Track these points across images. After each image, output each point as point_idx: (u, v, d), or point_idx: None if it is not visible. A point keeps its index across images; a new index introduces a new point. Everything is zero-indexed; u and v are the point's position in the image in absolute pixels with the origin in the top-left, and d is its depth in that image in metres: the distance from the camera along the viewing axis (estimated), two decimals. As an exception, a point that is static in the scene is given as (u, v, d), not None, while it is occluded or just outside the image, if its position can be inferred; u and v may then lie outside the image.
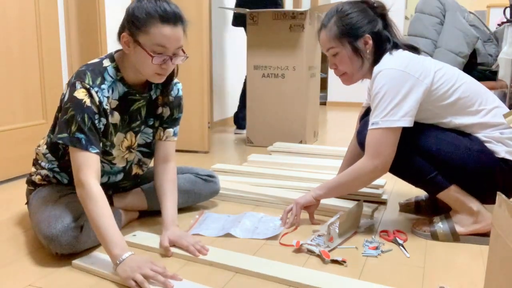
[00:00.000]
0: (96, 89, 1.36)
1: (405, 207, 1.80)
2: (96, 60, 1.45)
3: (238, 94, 4.47)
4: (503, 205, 0.82)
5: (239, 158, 2.77)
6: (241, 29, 3.58)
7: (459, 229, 1.51)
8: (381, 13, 1.58)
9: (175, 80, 1.59)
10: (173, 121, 1.62)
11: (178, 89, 1.62)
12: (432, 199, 1.76)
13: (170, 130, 1.61)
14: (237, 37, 4.26)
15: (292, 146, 2.86)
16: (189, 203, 1.77)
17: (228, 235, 1.55)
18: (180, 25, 1.36)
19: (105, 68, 1.42)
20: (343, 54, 1.56)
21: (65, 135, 1.33)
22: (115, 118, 1.45)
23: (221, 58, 4.10)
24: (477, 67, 3.78)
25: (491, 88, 3.85)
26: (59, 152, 1.50)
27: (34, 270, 1.31)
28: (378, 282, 1.24)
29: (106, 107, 1.39)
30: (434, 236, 1.54)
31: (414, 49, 1.57)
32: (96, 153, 1.35)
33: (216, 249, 1.41)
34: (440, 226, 1.53)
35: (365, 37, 1.54)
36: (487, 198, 1.50)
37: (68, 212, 1.36)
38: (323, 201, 1.78)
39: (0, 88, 2.16)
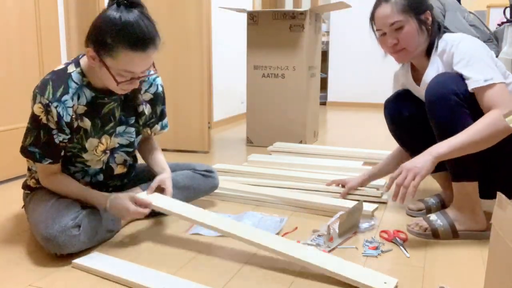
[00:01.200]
0: (55, 104, 1.33)
1: (417, 212, 1.76)
2: (62, 66, 1.42)
3: (238, 94, 4.47)
4: (503, 205, 0.82)
5: (239, 158, 2.77)
6: (241, 29, 3.58)
7: (458, 226, 1.52)
8: None
9: (154, 75, 1.55)
10: (158, 117, 1.63)
11: (157, 85, 1.60)
12: (442, 203, 1.76)
13: (157, 126, 1.65)
14: (237, 37, 4.26)
15: (292, 146, 2.86)
16: (188, 199, 1.76)
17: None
18: (151, 49, 1.31)
19: (69, 74, 1.39)
20: (409, 27, 1.53)
21: (22, 144, 1.41)
22: (85, 123, 1.43)
23: (221, 58, 4.10)
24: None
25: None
26: None
27: (34, 270, 1.31)
28: (378, 282, 1.24)
29: (68, 120, 1.37)
30: (435, 235, 1.53)
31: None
32: (50, 163, 1.41)
33: (214, 249, 1.41)
34: (440, 224, 1.53)
35: (427, 13, 1.56)
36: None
37: (65, 213, 1.36)
38: (323, 201, 1.78)
39: (0, 88, 2.16)
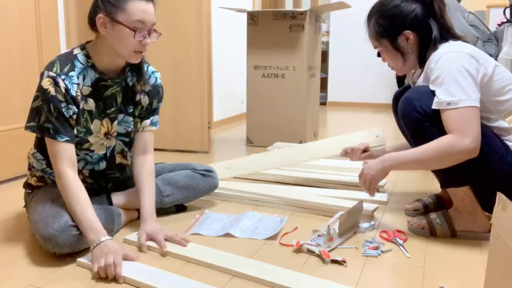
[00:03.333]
0: (63, 76, 1.38)
1: (413, 212, 1.76)
2: (68, 50, 1.48)
3: (238, 94, 4.47)
4: (503, 205, 0.82)
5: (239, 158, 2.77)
6: (241, 28, 3.58)
7: (457, 227, 1.52)
8: (427, 2, 1.54)
9: (153, 69, 1.61)
10: (151, 111, 1.62)
11: (156, 78, 1.62)
12: (439, 200, 1.76)
13: (147, 121, 1.62)
14: (237, 37, 4.26)
15: (292, 146, 2.85)
16: (188, 199, 1.77)
17: (228, 235, 1.55)
18: (151, 1, 1.44)
19: (75, 55, 1.44)
20: (386, 51, 1.59)
21: (33, 123, 1.40)
22: (90, 104, 1.47)
23: (221, 58, 4.10)
24: (507, 69, 3.78)
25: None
26: (45, 149, 1.48)
27: (34, 270, 1.31)
28: (378, 282, 1.24)
29: (74, 94, 1.40)
30: (433, 232, 1.54)
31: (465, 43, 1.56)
32: (65, 141, 1.38)
33: (214, 250, 1.41)
34: (438, 222, 1.54)
35: (405, 33, 1.53)
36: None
37: (65, 212, 1.36)
38: (323, 201, 1.78)
39: (0, 88, 2.16)
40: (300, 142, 3.09)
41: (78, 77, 1.42)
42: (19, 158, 2.26)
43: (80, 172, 1.53)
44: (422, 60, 1.55)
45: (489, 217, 1.48)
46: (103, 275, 1.24)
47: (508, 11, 3.75)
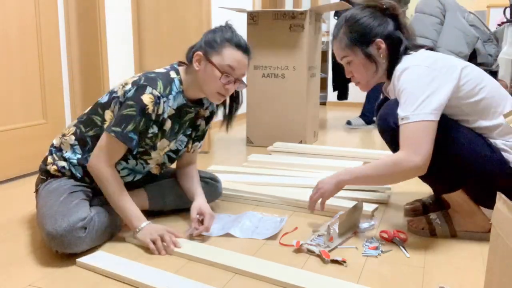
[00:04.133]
0: (164, 99, 1.48)
1: (412, 212, 1.76)
2: (162, 70, 1.55)
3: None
4: (503, 205, 0.82)
5: (239, 158, 2.77)
6: (241, 28, 3.58)
7: (457, 227, 1.52)
8: (393, 14, 1.54)
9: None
10: (203, 134, 1.74)
11: (214, 104, 1.70)
12: (438, 199, 1.76)
13: (198, 143, 1.74)
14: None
15: (292, 146, 2.85)
16: (190, 205, 1.77)
17: (228, 235, 1.55)
18: (248, 55, 1.53)
19: (173, 79, 1.53)
20: (356, 62, 1.55)
21: (118, 129, 1.42)
22: (167, 125, 1.55)
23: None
24: (477, 67, 3.78)
25: (491, 88, 3.85)
26: (87, 146, 1.54)
27: (34, 270, 1.31)
28: (378, 282, 1.24)
29: (166, 116, 1.51)
30: (432, 233, 1.54)
31: (430, 49, 1.54)
32: (132, 152, 1.50)
33: (217, 248, 1.41)
34: (438, 222, 1.54)
35: (377, 41, 1.51)
36: (492, 204, 1.49)
37: (75, 212, 1.36)
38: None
39: (0, 88, 2.16)
40: (300, 142, 3.09)
41: (172, 100, 1.51)
42: (19, 158, 2.26)
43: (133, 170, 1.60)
44: (390, 72, 1.52)
45: (489, 215, 1.48)
46: (160, 245, 1.40)
47: (508, 11, 3.76)
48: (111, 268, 1.27)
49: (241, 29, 3.60)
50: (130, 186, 1.65)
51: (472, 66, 1.49)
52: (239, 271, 1.28)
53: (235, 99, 1.65)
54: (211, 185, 1.80)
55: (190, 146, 1.71)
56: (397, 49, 1.51)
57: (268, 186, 2.05)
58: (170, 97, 1.50)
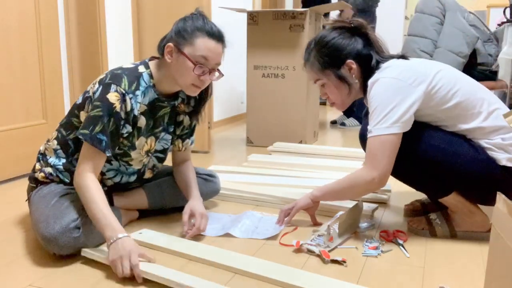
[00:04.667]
0: (130, 95, 1.41)
1: (412, 212, 1.76)
2: (130, 65, 1.50)
3: (238, 94, 4.46)
4: (503, 205, 0.82)
5: (239, 158, 2.77)
6: (241, 28, 3.58)
7: (457, 228, 1.53)
8: (361, 32, 1.56)
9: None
10: (191, 131, 1.70)
11: (196, 99, 1.66)
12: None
13: (188, 141, 1.69)
14: (237, 37, 4.25)
15: (292, 146, 2.86)
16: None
17: (227, 235, 1.55)
18: (222, 43, 1.47)
19: (141, 73, 1.47)
20: (329, 84, 1.57)
21: (86, 132, 1.37)
22: (141, 122, 1.49)
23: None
24: (477, 67, 3.78)
25: (491, 88, 3.86)
26: (69, 149, 1.52)
27: (34, 270, 1.31)
28: (378, 282, 1.24)
29: (136, 113, 1.45)
30: (432, 233, 1.54)
31: (402, 57, 1.54)
32: (108, 156, 1.41)
33: (217, 248, 1.41)
34: (438, 222, 1.54)
35: (348, 62, 1.53)
36: (487, 202, 1.50)
37: (67, 213, 1.36)
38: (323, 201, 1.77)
39: (0, 88, 2.16)
40: (300, 142, 3.09)
41: (141, 96, 1.46)
42: (19, 158, 2.26)
43: (108, 180, 1.56)
44: (365, 89, 1.53)
45: (488, 214, 1.48)
46: (120, 276, 1.22)
47: (508, 11, 3.76)
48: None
49: (241, 29, 3.60)
50: (126, 188, 1.65)
51: (444, 70, 1.48)
52: (239, 271, 1.28)
53: (204, 90, 1.57)
54: (209, 181, 1.80)
55: (180, 145, 1.68)
56: (368, 65, 1.52)
57: (268, 186, 2.05)
58: (138, 92, 1.44)
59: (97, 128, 1.37)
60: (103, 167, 1.51)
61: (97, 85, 1.43)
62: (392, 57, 1.55)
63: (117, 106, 1.38)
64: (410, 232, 1.58)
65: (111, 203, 1.61)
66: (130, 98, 1.41)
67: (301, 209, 1.61)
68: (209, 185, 1.80)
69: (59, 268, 1.31)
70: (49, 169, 1.54)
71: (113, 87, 1.38)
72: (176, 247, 1.42)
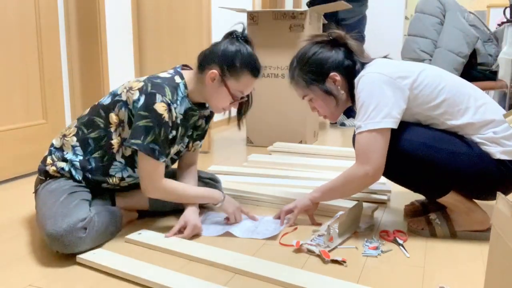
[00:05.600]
0: (174, 105, 1.47)
1: (412, 212, 1.76)
2: (166, 74, 1.55)
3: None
4: (503, 205, 0.82)
5: (239, 158, 2.77)
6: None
7: (457, 227, 1.52)
8: (341, 43, 1.57)
9: None
10: (204, 133, 1.73)
11: None
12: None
13: (199, 142, 1.73)
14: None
15: (292, 146, 2.86)
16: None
17: (227, 234, 1.55)
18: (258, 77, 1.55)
19: (178, 84, 1.52)
20: (316, 99, 1.61)
21: (139, 141, 1.41)
22: (178, 131, 1.55)
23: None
24: (477, 67, 3.79)
25: (491, 88, 3.87)
26: (88, 148, 1.53)
27: (34, 270, 1.31)
28: (378, 282, 1.24)
29: (179, 122, 1.52)
30: (432, 233, 1.54)
31: (385, 58, 1.57)
32: (164, 161, 1.48)
33: (217, 248, 1.41)
34: (438, 222, 1.54)
35: (331, 75, 1.55)
36: (485, 197, 1.51)
37: (75, 212, 1.36)
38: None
39: (0, 88, 2.16)
40: (300, 142, 3.09)
41: (179, 105, 1.51)
42: (19, 158, 2.26)
43: (113, 177, 1.56)
44: (352, 97, 1.55)
45: (488, 211, 1.48)
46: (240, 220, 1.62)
47: (508, 11, 3.76)
48: (111, 265, 1.27)
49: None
50: (128, 188, 1.65)
51: (429, 69, 1.50)
52: (239, 271, 1.28)
53: (246, 101, 1.63)
54: (210, 185, 1.79)
55: (190, 145, 1.71)
56: (353, 73, 1.54)
57: (268, 186, 2.05)
58: (177, 102, 1.50)
59: (149, 138, 1.42)
60: (124, 172, 1.55)
61: (137, 93, 1.45)
62: (374, 59, 1.57)
63: (166, 116, 1.43)
64: (410, 232, 1.58)
65: (112, 203, 1.61)
66: (175, 108, 1.47)
67: (302, 210, 1.61)
68: None
69: (59, 268, 1.31)
70: (62, 164, 1.53)
71: (159, 97, 1.42)
72: (176, 248, 1.42)
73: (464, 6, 3.84)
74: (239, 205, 1.64)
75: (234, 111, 1.65)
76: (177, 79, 1.53)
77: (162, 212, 1.72)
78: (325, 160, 2.53)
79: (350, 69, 1.55)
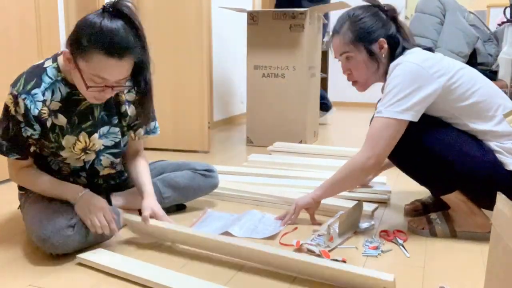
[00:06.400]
0: (23, 96, 1.30)
1: (412, 211, 1.76)
2: (41, 60, 1.42)
3: (238, 94, 4.47)
4: (503, 205, 0.82)
5: (239, 158, 2.77)
6: (241, 28, 3.58)
7: (457, 228, 1.52)
8: (393, 16, 1.56)
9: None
10: (145, 120, 1.56)
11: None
12: (438, 199, 1.76)
13: (141, 130, 1.59)
14: (237, 37, 4.26)
15: (292, 146, 2.86)
16: (188, 199, 1.77)
17: (226, 233, 1.55)
18: (127, 57, 1.26)
19: (44, 69, 1.37)
20: (358, 59, 1.53)
21: None
22: (60, 120, 1.39)
23: (222, 57, 4.10)
24: (477, 67, 3.79)
25: (491, 88, 3.85)
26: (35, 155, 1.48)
27: (34, 270, 1.31)
28: (378, 282, 1.24)
29: (37, 113, 1.32)
30: (433, 233, 1.54)
31: (428, 50, 1.54)
32: (17, 158, 1.40)
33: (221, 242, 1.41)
34: (438, 222, 1.54)
35: (380, 41, 1.52)
36: (490, 206, 1.50)
37: (59, 213, 1.36)
38: (323, 200, 1.78)
39: (0, 88, 2.16)
40: (300, 142, 3.10)
41: (44, 94, 1.34)
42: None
43: (70, 174, 1.51)
44: (387, 72, 1.53)
45: (489, 215, 1.48)
46: (99, 231, 1.37)
47: (508, 11, 3.76)
48: (111, 265, 1.27)
49: (241, 29, 3.60)
50: (122, 188, 1.65)
51: (467, 68, 1.48)
52: (242, 266, 1.29)
53: (139, 90, 1.44)
54: (207, 177, 1.78)
55: (133, 134, 1.58)
56: (397, 51, 1.52)
57: (268, 186, 2.05)
58: (37, 90, 1.32)
59: None
60: (53, 165, 1.49)
61: None
62: (419, 46, 1.55)
63: (12, 109, 1.32)
64: (410, 232, 1.58)
65: (109, 203, 1.61)
66: (24, 99, 1.30)
67: (302, 208, 1.61)
68: (207, 181, 1.79)
69: (59, 268, 1.31)
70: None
71: (10, 89, 1.33)
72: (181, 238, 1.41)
73: (464, 5, 3.84)
74: (93, 209, 1.36)
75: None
76: (47, 63, 1.38)
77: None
78: (325, 160, 2.53)
79: (397, 45, 1.52)
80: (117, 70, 1.26)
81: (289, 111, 3.11)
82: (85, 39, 1.23)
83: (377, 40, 1.52)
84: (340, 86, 5.81)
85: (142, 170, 1.58)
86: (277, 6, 3.73)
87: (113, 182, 1.65)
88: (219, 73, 4.08)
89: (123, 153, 1.60)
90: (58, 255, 1.35)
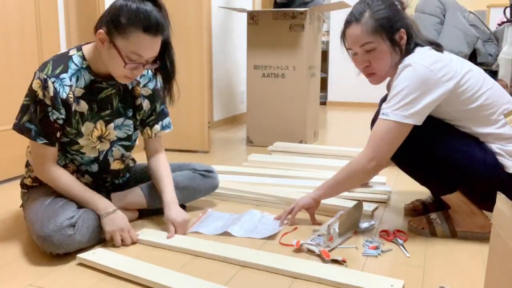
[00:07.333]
0: (53, 79, 1.36)
1: (412, 211, 1.76)
2: (65, 50, 1.46)
3: (238, 94, 4.47)
4: (503, 205, 0.82)
5: (239, 158, 2.77)
6: (241, 28, 3.58)
7: (457, 228, 1.53)
8: (404, 9, 1.53)
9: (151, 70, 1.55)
10: (158, 115, 1.63)
11: (156, 81, 1.61)
12: (438, 199, 1.76)
13: (157, 127, 1.63)
14: (237, 37, 4.26)
15: (292, 146, 2.86)
16: (188, 200, 1.77)
17: (226, 233, 1.55)
18: (160, 35, 1.35)
19: (70, 56, 1.42)
20: (381, 49, 1.47)
21: (16, 121, 1.40)
22: (82, 106, 1.45)
23: (222, 57, 4.10)
24: (479, 71, 3.78)
25: (491, 88, 3.85)
26: None
27: (34, 269, 1.31)
28: (378, 282, 1.24)
29: (65, 97, 1.38)
30: (433, 233, 1.54)
31: (438, 46, 1.50)
32: (44, 143, 1.40)
33: (222, 243, 1.41)
34: (438, 222, 1.54)
35: (401, 31, 1.47)
36: (490, 207, 1.49)
37: (60, 212, 1.36)
38: (323, 201, 1.78)
39: (0, 88, 2.16)
40: (300, 142, 3.09)
41: (70, 79, 1.40)
42: (19, 158, 2.26)
43: (76, 171, 1.54)
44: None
45: (490, 216, 1.48)
46: (119, 245, 1.43)
47: (508, 11, 3.75)
48: (111, 265, 1.27)
49: (241, 29, 3.60)
50: (122, 188, 1.65)
51: (474, 71, 1.46)
52: (244, 263, 1.30)
53: (166, 69, 1.47)
54: (207, 177, 1.79)
55: (149, 131, 1.63)
56: (411, 44, 1.49)
57: (268, 186, 2.05)
58: (65, 75, 1.38)
59: (25, 118, 1.39)
60: (64, 159, 1.51)
61: None
62: (430, 43, 1.51)
63: (40, 93, 1.35)
64: (410, 232, 1.58)
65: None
66: (53, 82, 1.35)
67: (303, 208, 1.61)
68: (207, 181, 1.79)
69: (59, 268, 1.31)
70: (34, 173, 1.53)
71: (37, 74, 1.37)
72: (178, 243, 1.42)
73: (464, 5, 3.84)
74: (125, 227, 1.45)
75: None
76: (72, 51, 1.43)
77: (162, 210, 1.72)
78: (325, 160, 2.53)
79: (411, 38, 1.49)
80: (152, 47, 1.36)
81: (289, 111, 3.11)
82: (124, 18, 1.31)
83: (398, 31, 1.47)
84: (340, 86, 5.82)
85: (160, 170, 1.62)
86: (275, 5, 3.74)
87: (117, 182, 1.66)
88: (219, 73, 4.08)
89: (133, 148, 1.64)
90: (58, 255, 1.35)
